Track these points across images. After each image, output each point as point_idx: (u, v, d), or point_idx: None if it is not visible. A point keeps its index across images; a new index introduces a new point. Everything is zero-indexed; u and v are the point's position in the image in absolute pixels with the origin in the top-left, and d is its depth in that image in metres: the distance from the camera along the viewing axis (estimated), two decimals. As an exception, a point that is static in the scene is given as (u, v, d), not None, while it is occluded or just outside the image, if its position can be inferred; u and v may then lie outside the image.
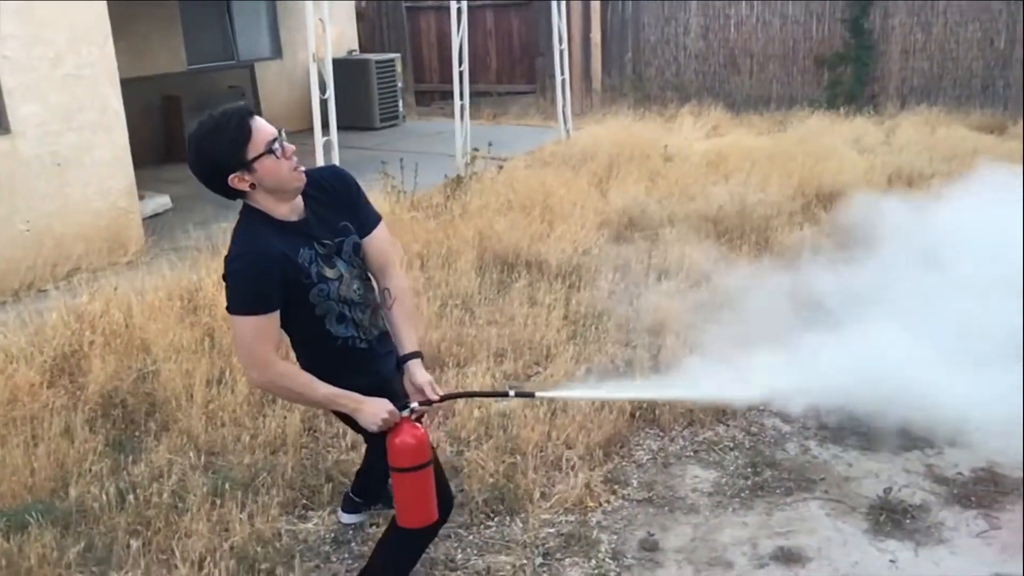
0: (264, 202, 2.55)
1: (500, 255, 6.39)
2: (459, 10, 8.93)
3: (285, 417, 4.23)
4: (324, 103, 7.32)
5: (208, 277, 5.55)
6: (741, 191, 7.68)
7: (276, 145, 2.48)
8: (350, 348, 2.71)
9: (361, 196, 2.80)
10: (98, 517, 3.49)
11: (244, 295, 2.50)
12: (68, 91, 6.43)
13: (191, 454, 3.95)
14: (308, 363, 2.72)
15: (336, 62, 12.82)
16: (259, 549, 3.34)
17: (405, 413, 2.67)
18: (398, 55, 12.97)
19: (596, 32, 13.95)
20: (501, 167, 8.22)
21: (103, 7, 6.63)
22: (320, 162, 7.43)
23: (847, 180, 7.92)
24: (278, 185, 2.53)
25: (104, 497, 3.54)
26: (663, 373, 4.30)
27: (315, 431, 4.25)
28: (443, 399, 2.77)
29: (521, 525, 3.55)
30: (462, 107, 9.04)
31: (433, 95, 15.17)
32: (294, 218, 2.60)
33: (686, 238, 6.79)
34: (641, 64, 13.85)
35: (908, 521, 3.53)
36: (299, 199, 2.61)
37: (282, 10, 12.30)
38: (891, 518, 3.54)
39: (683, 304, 5.38)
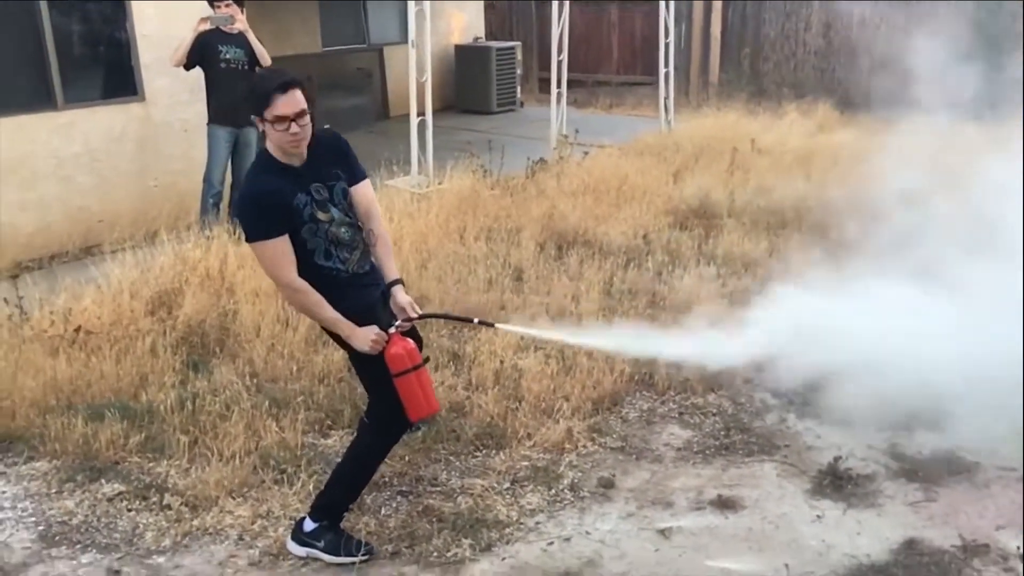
0: (271, 147, 3.21)
1: (561, 233, 6.91)
2: (559, 4, 9.44)
3: (333, 355, 4.92)
4: (421, 86, 8.00)
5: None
6: (811, 188, 7.89)
7: (279, 123, 3.08)
8: (334, 278, 3.31)
9: (351, 153, 3.43)
10: (162, 417, 4.29)
11: (254, 226, 3.16)
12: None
13: (248, 377, 4.71)
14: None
15: (459, 48, 13.74)
16: (281, 453, 4.04)
17: (392, 330, 3.27)
18: (518, 43, 13.59)
19: (716, 26, 14.12)
20: (586, 153, 8.69)
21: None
22: (415, 141, 8.16)
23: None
24: (277, 145, 3.18)
25: (168, 402, 4.34)
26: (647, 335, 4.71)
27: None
28: (421, 317, 3.36)
29: (503, 458, 4.10)
30: (558, 94, 9.58)
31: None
32: (296, 164, 3.23)
33: (743, 228, 7.12)
34: (759, 59, 13.94)
35: (849, 486, 3.86)
36: (303, 151, 3.24)
37: (413, -3, 13.12)
38: (834, 482, 3.88)
39: (710, 286, 5.77)
